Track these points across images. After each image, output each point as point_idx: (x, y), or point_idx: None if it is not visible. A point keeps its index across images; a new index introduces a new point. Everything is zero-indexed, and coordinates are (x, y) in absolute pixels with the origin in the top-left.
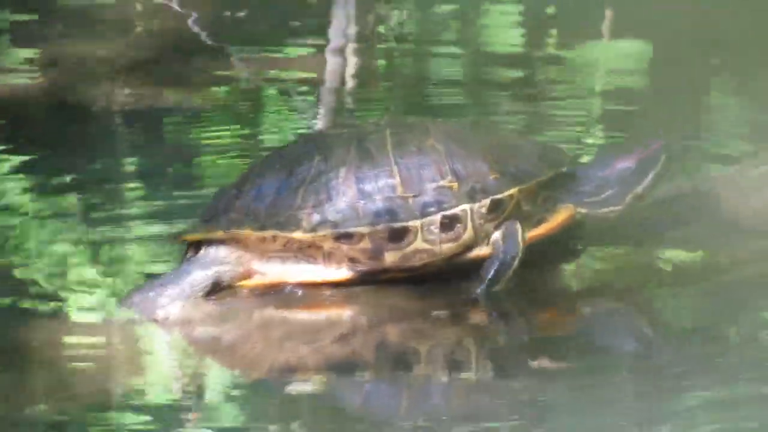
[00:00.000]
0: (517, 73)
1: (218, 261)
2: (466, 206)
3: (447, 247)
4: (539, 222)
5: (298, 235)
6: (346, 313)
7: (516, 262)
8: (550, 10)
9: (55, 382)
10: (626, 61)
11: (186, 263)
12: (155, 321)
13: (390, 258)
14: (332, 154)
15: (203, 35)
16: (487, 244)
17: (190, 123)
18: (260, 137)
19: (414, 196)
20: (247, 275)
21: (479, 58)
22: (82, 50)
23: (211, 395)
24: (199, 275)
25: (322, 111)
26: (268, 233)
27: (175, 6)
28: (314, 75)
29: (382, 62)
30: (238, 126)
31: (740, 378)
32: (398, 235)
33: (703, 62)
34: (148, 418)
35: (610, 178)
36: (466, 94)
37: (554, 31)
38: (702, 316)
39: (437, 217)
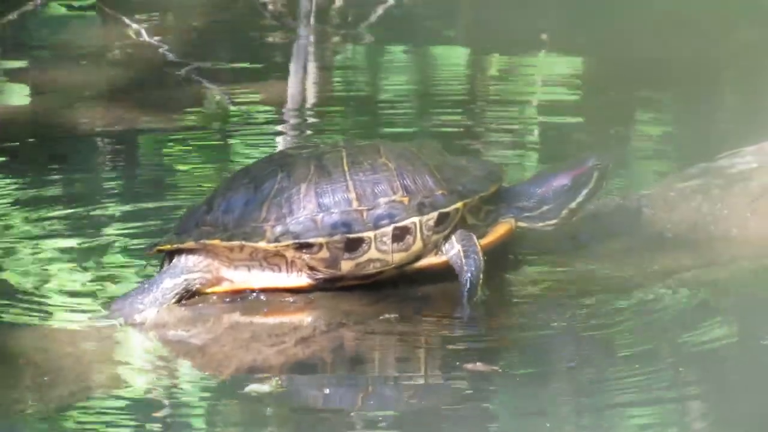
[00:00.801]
0: (460, 94)
1: (187, 269)
2: (416, 219)
3: (398, 257)
4: (482, 235)
5: (262, 245)
6: (306, 318)
7: (481, 272)
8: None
9: (34, 384)
10: (561, 78)
11: (159, 273)
12: (132, 325)
13: (346, 266)
14: (294, 171)
15: (177, 63)
16: (436, 253)
17: (164, 144)
18: (228, 157)
19: (368, 210)
20: (216, 282)
21: (427, 79)
22: (65, 78)
23: (182, 394)
24: (170, 283)
25: (284, 132)
26: (235, 243)
27: (149, 39)
28: (278, 100)
29: (337, 88)
30: (208, 147)
31: (667, 385)
32: (354, 246)
33: (632, 82)
34: (122, 415)
35: (547, 195)
36: (414, 114)
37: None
38: (631, 325)
39: (389, 229)
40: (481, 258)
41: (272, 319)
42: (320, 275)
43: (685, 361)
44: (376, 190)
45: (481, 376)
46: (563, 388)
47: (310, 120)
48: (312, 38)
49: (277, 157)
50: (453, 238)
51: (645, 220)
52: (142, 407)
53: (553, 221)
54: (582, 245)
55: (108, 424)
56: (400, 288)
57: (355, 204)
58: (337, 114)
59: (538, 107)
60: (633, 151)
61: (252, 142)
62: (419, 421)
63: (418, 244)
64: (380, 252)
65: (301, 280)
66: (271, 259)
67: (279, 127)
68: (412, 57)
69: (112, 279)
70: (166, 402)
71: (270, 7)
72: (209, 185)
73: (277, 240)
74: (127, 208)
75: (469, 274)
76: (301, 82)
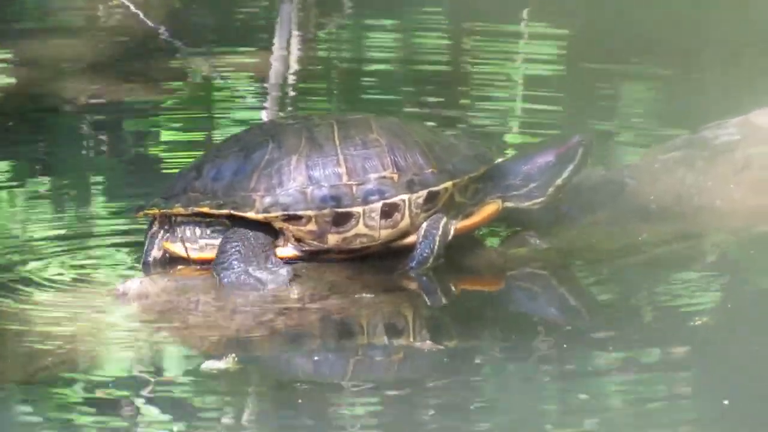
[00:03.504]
0: (443, 67)
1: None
2: (405, 196)
3: (385, 233)
4: (469, 214)
5: (251, 215)
6: (289, 290)
7: (433, 255)
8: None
9: (18, 355)
10: (545, 50)
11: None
12: (115, 296)
13: (333, 240)
14: (285, 142)
15: (160, 35)
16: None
17: (149, 114)
18: (211, 128)
19: (358, 185)
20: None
21: (410, 54)
22: (50, 50)
23: (164, 366)
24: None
25: (267, 104)
26: (224, 212)
27: (133, 8)
28: (261, 72)
29: (321, 60)
30: (192, 117)
31: (649, 347)
32: (342, 220)
33: (616, 53)
34: (106, 386)
35: (533, 172)
36: (396, 86)
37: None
38: (614, 292)
39: (378, 205)
40: (438, 241)
41: (263, 289)
42: (306, 247)
43: (669, 329)
44: (366, 166)
45: (447, 351)
46: (544, 357)
47: (293, 92)
48: (296, 9)
49: (267, 126)
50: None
51: (629, 191)
52: (125, 378)
53: (540, 199)
54: (566, 217)
55: (91, 395)
56: (386, 260)
57: (345, 178)
58: (320, 86)
59: (522, 79)
60: (616, 122)
61: (236, 113)
62: (399, 391)
63: (406, 221)
64: (368, 227)
65: (287, 251)
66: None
67: (262, 98)
68: (396, 29)
69: (98, 251)
70: (149, 372)
71: None
72: (193, 156)
73: (266, 211)
74: (113, 178)
75: (419, 253)
76: (285, 54)
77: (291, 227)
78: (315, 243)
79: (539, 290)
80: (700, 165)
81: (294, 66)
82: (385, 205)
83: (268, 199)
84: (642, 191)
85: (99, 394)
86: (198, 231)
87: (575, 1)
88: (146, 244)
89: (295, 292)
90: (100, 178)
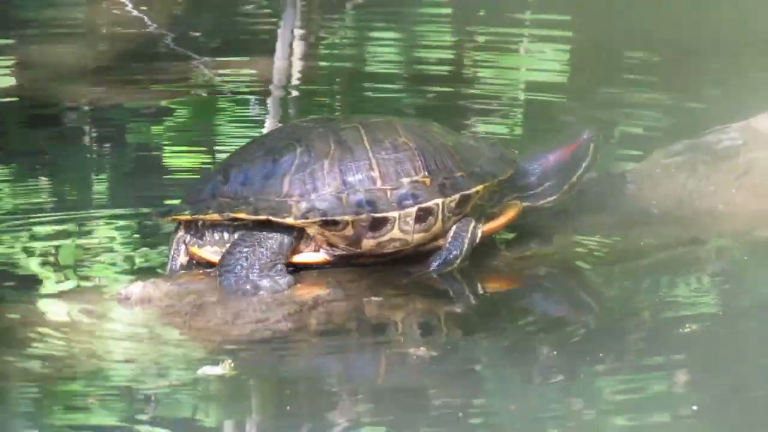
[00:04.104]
0: (447, 69)
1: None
2: (439, 200)
3: (418, 237)
4: (492, 217)
5: (290, 221)
6: (292, 294)
7: (461, 256)
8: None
9: (20, 358)
10: (548, 52)
11: (246, 242)
12: (118, 300)
13: (367, 244)
14: (313, 146)
15: (163, 39)
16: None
17: (151, 119)
18: (214, 132)
19: (392, 189)
20: None
21: (413, 58)
22: (52, 54)
23: (167, 369)
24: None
25: (270, 109)
26: (262, 218)
27: (136, 12)
28: (263, 77)
29: (324, 63)
30: (195, 123)
31: (648, 352)
32: (378, 225)
33: (620, 58)
34: (108, 389)
35: (548, 171)
36: (401, 89)
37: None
38: (615, 297)
39: (413, 209)
40: (467, 245)
41: (258, 295)
42: (339, 252)
43: (669, 334)
44: (399, 170)
45: (431, 358)
46: (544, 361)
47: (297, 96)
48: (299, 14)
49: (289, 130)
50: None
51: (631, 195)
52: (127, 381)
53: (554, 197)
54: (569, 220)
55: (91, 399)
56: (390, 264)
57: (379, 183)
58: (324, 89)
59: (525, 81)
60: (619, 126)
61: (238, 117)
62: (399, 396)
63: (438, 225)
64: (402, 232)
65: (319, 256)
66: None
67: (265, 104)
68: (399, 32)
69: (100, 255)
70: (151, 376)
71: None
72: (195, 160)
73: (304, 216)
74: (115, 182)
75: (446, 252)
76: (288, 58)
77: (327, 232)
78: (349, 248)
79: (542, 294)
80: (701, 170)
81: (297, 71)
82: (420, 209)
83: (304, 204)
84: (644, 195)
85: (98, 398)
86: (226, 235)
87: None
88: (172, 249)
89: (299, 296)
90: (102, 182)
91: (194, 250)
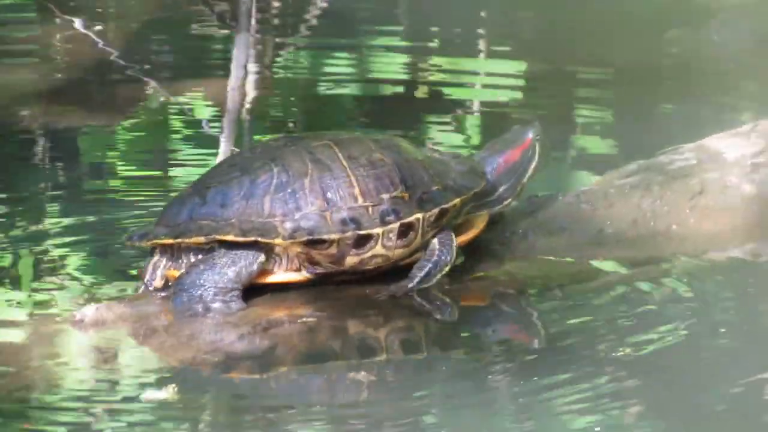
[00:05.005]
0: (402, 86)
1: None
2: (419, 215)
3: (399, 252)
4: (458, 229)
5: (279, 241)
6: (245, 316)
7: (447, 268)
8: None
9: None
10: (500, 76)
11: (210, 262)
12: (72, 323)
13: (350, 262)
14: (289, 165)
15: (117, 62)
16: (425, 249)
17: (105, 141)
18: (169, 156)
19: (373, 206)
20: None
21: (368, 81)
22: (4, 76)
23: (119, 393)
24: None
25: (224, 130)
26: (251, 239)
27: (92, 35)
28: (218, 99)
29: (278, 86)
30: (149, 144)
31: (601, 376)
32: (362, 242)
33: (571, 81)
34: (60, 413)
35: (501, 175)
36: (354, 109)
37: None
38: (568, 319)
39: (396, 225)
40: (454, 254)
41: (215, 318)
42: (320, 270)
43: (623, 355)
44: (378, 186)
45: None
46: (496, 384)
47: (251, 117)
48: (252, 36)
49: (260, 150)
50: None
51: (584, 216)
52: (79, 405)
53: (509, 200)
54: (522, 241)
55: (47, 422)
56: (357, 283)
57: (360, 200)
58: (278, 110)
59: (478, 105)
60: (573, 146)
61: (193, 138)
62: (345, 417)
63: (418, 240)
64: (385, 248)
65: (299, 275)
66: (276, 252)
67: (219, 126)
68: (352, 53)
69: (54, 277)
70: (101, 400)
71: (212, 4)
72: (149, 183)
73: (291, 236)
74: (68, 205)
75: (434, 261)
76: (242, 79)
77: (312, 251)
78: (332, 265)
79: (493, 317)
80: (656, 190)
81: (251, 92)
82: (402, 225)
83: (289, 224)
84: (598, 216)
85: (48, 422)
86: (201, 256)
87: (530, 26)
88: (148, 273)
89: (253, 318)
90: (55, 204)
91: (172, 273)
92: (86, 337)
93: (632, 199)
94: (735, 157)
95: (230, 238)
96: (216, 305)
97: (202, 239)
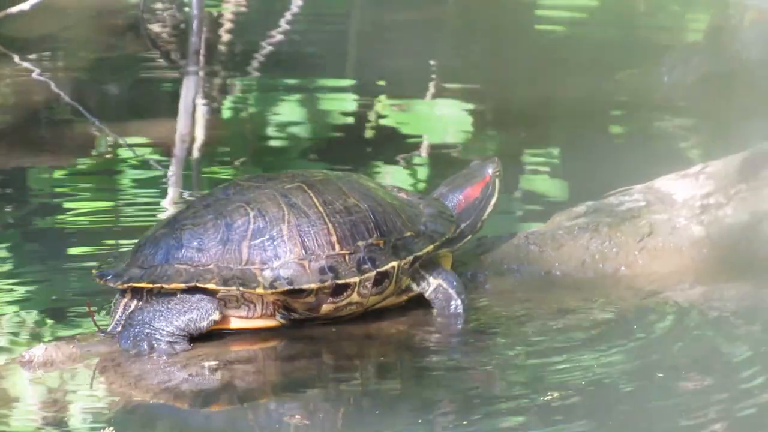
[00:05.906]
0: (351, 124)
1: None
2: (395, 263)
3: (373, 299)
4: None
5: (260, 291)
6: (194, 356)
7: (464, 301)
8: (380, 82)
9: None
10: (448, 118)
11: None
12: (20, 363)
13: (326, 309)
14: (265, 210)
15: (66, 103)
16: (398, 295)
17: (53, 183)
18: (117, 197)
19: (350, 254)
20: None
21: (319, 122)
22: None
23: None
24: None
25: (173, 172)
26: (233, 289)
27: (41, 76)
28: (166, 140)
29: (227, 125)
30: (99, 185)
31: (548, 418)
32: (339, 290)
33: (518, 122)
34: None
35: (462, 212)
36: (302, 150)
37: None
38: (512, 363)
39: (372, 274)
40: (455, 275)
41: (160, 358)
42: (295, 316)
43: (569, 398)
44: (354, 233)
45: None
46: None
47: (200, 156)
48: (201, 75)
49: (233, 191)
50: (426, 275)
51: (533, 258)
52: None
53: (469, 237)
54: (471, 283)
55: None
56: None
57: (337, 248)
58: (226, 151)
59: (428, 147)
60: (520, 189)
61: (142, 181)
62: None
63: (392, 287)
64: (360, 296)
65: (274, 320)
66: (248, 298)
67: (168, 167)
68: (301, 93)
69: (2, 317)
70: None
71: (160, 44)
72: (98, 224)
73: (272, 286)
74: (18, 246)
75: (459, 300)
76: (191, 120)
77: (288, 299)
78: (307, 313)
79: (439, 359)
80: (604, 231)
81: (200, 134)
82: (378, 273)
83: (268, 273)
84: (546, 258)
85: None
86: (170, 298)
87: (478, 68)
88: (117, 314)
89: (202, 358)
90: (5, 244)
91: None
92: (35, 377)
93: (581, 240)
94: (684, 199)
95: (211, 287)
96: (162, 346)
97: (182, 286)
